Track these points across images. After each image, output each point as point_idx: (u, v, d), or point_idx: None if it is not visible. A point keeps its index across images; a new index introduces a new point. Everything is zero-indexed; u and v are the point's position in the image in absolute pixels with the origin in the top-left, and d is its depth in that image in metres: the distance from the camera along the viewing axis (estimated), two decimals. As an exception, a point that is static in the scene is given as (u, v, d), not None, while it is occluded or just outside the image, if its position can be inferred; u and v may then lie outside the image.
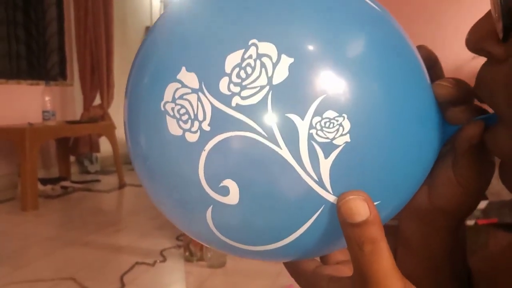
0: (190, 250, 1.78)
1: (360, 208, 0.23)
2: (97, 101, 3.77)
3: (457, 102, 0.28)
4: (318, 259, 0.32)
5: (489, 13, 0.26)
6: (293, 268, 0.32)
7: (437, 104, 0.28)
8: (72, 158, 3.62)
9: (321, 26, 0.25)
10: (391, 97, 0.25)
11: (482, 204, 1.33)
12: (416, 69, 0.27)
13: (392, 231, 0.30)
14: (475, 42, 0.26)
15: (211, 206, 0.25)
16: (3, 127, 2.71)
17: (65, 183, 3.17)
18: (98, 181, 3.40)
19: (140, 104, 0.27)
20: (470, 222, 1.29)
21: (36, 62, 3.54)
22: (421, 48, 0.30)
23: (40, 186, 2.82)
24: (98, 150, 3.75)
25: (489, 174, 0.31)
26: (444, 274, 0.35)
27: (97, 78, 3.72)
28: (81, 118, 3.60)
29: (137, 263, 1.76)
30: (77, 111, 3.78)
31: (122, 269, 1.71)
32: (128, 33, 4.32)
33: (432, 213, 0.32)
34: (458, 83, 0.28)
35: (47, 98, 2.84)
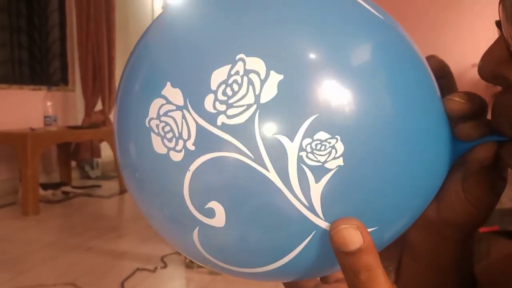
0: (191, 256, 1.77)
1: (353, 237, 0.22)
2: (99, 106, 3.78)
3: (469, 117, 0.26)
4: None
5: (499, 40, 0.25)
6: (292, 287, 0.31)
7: (448, 119, 0.26)
8: (73, 163, 3.62)
9: (315, 39, 0.23)
10: (395, 115, 0.23)
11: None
12: (425, 82, 0.25)
13: (397, 239, 0.30)
14: (490, 71, 0.25)
15: (197, 228, 0.24)
16: (5, 132, 2.72)
17: (66, 188, 3.16)
18: (99, 186, 3.40)
19: (128, 117, 0.26)
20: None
21: (38, 67, 3.56)
22: (431, 58, 0.28)
23: (41, 191, 2.82)
24: (99, 155, 3.75)
25: (499, 190, 0.30)
26: (450, 283, 0.34)
27: (98, 84, 3.73)
28: (82, 124, 3.60)
29: (138, 269, 1.76)
30: (78, 117, 3.78)
31: (123, 275, 1.71)
32: (130, 39, 4.33)
33: (440, 225, 0.31)
34: (471, 97, 0.26)
35: (49, 104, 2.85)
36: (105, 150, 3.71)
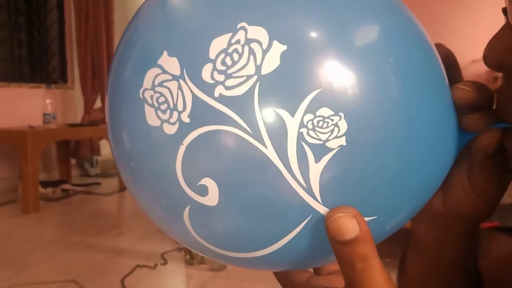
0: (191, 253, 1.78)
1: (349, 226, 0.21)
2: (98, 104, 3.77)
3: (476, 107, 0.26)
4: (311, 269, 0.30)
5: (505, 27, 0.24)
6: (285, 279, 0.31)
7: (455, 108, 0.26)
8: (72, 161, 3.62)
9: (322, 9, 0.22)
10: (402, 96, 0.22)
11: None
12: (434, 67, 0.24)
13: (402, 233, 0.29)
14: (496, 58, 0.25)
15: (189, 206, 0.23)
16: (4, 130, 2.72)
17: (66, 186, 3.16)
18: (98, 184, 3.40)
19: (121, 89, 0.25)
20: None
21: (38, 65, 3.55)
22: (439, 46, 0.27)
23: (41, 189, 2.82)
24: (98, 153, 3.75)
25: (506, 181, 0.29)
26: (456, 277, 0.34)
27: (98, 81, 3.73)
28: (82, 121, 3.60)
29: (138, 266, 1.76)
30: (78, 114, 3.78)
31: (123, 272, 1.71)
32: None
33: (446, 218, 0.31)
34: (479, 87, 0.26)
35: (48, 101, 2.85)
36: (105, 148, 3.71)
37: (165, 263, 1.81)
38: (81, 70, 3.71)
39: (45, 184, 2.99)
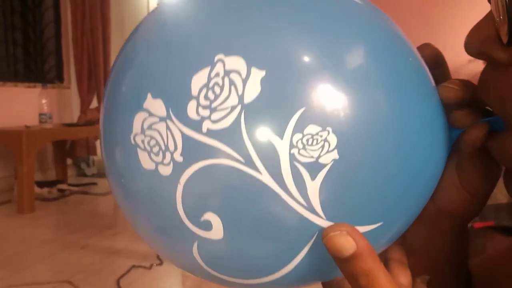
0: (187, 253, 1.77)
1: (345, 244, 0.21)
2: (94, 104, 3.76)
3: (463, 104, 0.26)
4: None
5: (488, 15, 0.24)
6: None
7: (443, 107, 0.26)
8: (69, 161, 3.61)
9: (298, 30, 0.22)
10: (389, 104, 0.22)
11: (478, 207, 1.33)
12: (418, 70, 0.25)
13: None
14: (476, 47, 0.25)
15: (196, 242, 0.23)
16: (-1, 130, 2.71)
17: (62, 186, 3.15)
18: (95, 184, 3.39)
19: (114, 133, 0.25)
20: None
21: (33, 65, 3.54)
22: (426, 46, 0.28)
23: (37, 189, 2.81)
24: (95, 153, 3.74)
25: (494, 176, 0.30)
26: (447, 276, 0.34)
27: (94, 81, 3.72)
28: (78, 121, 3.59)
29: (134, 266, 1.76)
30: (74, 114, 3.77)
31: (118, 272, 1.71)
32: (126, 36, 4.30)
33: (437, 215, 0.31)
34: (465, 85, 0.26)
35: (44, 101, 2.84)
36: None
37: (161, 263, 1.80)
38: (77, 70, 3.70)
39: (41, 184, 2.98)
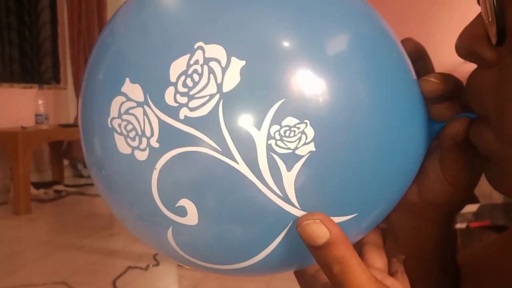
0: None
1: (318, 232, 0.22)
2: (91, 104, 3.75)
3: (445, 98, 0.27)
4: None
5: (478, 17, 0.25)
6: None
7: (424, 100, 0.26)
8: (65, 162, 3.60)
9: (277, 19, 0.22)
10: (368, 98, 0.23)
11: (474, 207, 1.34)
12: (398, 65, 0.25)
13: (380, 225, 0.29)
14: (465, 47, 0.25)
15: (171, 227, 0.23)
16: (-5, 131, 2.70)
17: (59, 187, 3.15)
18: (91, 185, 3.37)
19: (91, 116, 0.25)
20: (461, 225, 1.29)
21: (30, 65, 3.53)
22: (408, 40, 0.28)
23: (33, 190, 2.80)
24: (91, 153, 3.73)
25: (477, 168, 0.30)
26: (433, 266, 0.35)
27: (91, 82, 3.71)
28: (74, 122, 3.58)
29: (130, 267, 1.75)
30: (70, 115, 3.76)
31: (115, 273, 1.70)
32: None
33: (421, 207, 0.31)
34: (446, 78, 0.26)
35: (40, 102, 2.83)
36: (98, 148, 3.70)
37: (157, 264, 1.80)
38: (73, 71, 3.69)
39: (37, 185, 2.97)
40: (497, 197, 1.31)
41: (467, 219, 1.31)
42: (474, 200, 1.30)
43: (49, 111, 2.98)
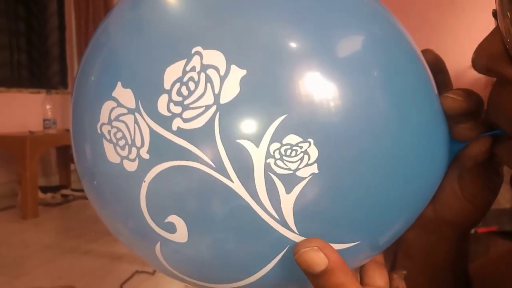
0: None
1: (316, 259, 0.21)
2: (98, 109, 3.77)
3: (466, 115, 0.25)
4: None
5: (495, 31, 0.24)
6: None
7: (445, 118, 0.24)
8: (72, 166, 3.61)
9: (283, 26, 0.20)
10: (383, 114, 0.20)
11: (481, 212, 1.32)
12: (421, 78, 0.23)
13: None
14: (484, 63, 0.24)
15: (159, 242, 0.22)
16: (3, 135, 2.72)
17: (65, 191, 3.16)
18: (98, 189, 3.39)
19: (81, 121, 0.24)
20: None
21: (37, 70, 3.55)
22: (427, 52, 0.26)
23: (40, 194, 2.81)
24: (98, 158, 3.75)
25: (496, 186, 0.29)
26: (445, 283, 0.34)
27: (98, 87, 3.73)
28: (81, 126, 3.60)
29: (137, 271, 1.75)
30: (77, 119, 3.78)
31: (122, 277, 1.70)
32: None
33: (437, 223, 0.31)
34: (469, 95, 0.25)
35: (48, 107, 2.85)
36: (104, 153, 3.71)
37: (164, 268, 1.80)
38: (81, 76, 3.71)
39: (44, 190, 2.99)
40: (505, 203, 1.30)
41: (474, 224, 1.31)
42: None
43: (56, 116, 3.00)
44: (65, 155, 3.47)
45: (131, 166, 0.21)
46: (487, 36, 0.24)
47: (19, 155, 2.59)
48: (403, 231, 0.25)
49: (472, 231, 1.30)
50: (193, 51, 0.19)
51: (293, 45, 0.20)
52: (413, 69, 0.22)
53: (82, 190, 3.31)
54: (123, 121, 0.21)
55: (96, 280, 1.74)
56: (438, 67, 0.27)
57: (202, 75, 0.19)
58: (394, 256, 0.36)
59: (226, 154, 0.19)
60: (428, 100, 0.23)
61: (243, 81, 0.19)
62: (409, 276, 0.34)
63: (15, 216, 2.62)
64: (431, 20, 3.01)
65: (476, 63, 0.24)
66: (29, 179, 2.55)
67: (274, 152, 0.19)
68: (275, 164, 0.19)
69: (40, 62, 3.58)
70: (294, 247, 0.21)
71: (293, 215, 0.20)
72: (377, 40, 0.21)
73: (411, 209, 0.24)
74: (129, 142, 0.21)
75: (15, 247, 2.11)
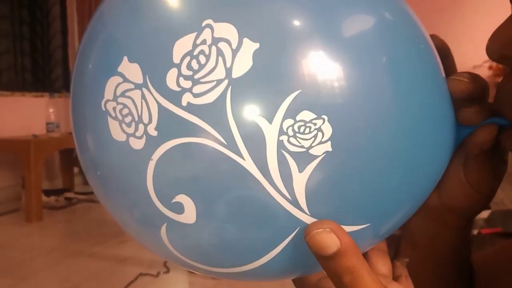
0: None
1: (328, 241, 0.20)
2: (101, 112, 3.78)
3: (472, 99, 0.25)
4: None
5: (510, 19, 0.24)
6: (297, 278, 0.30)
7: (452, 101, 0.24)
8: (76, 169, 3.62)
9: (297, 1, 0.19)
10: (394, 94, 0.20)
11: (485, 214, 1.33)
12: (429, 61, 0.22)
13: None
14: (497, 50, 0.24)
15: (165, 224, 0.21)
16: (7, 139, 2.73)
17: (69, 195, 3.17)
18: (101, 192, 3.39)
19: (83, 100, 0.23)
20: (473, 232, 1.28)
21: (41, 74, 3.57)
22: (433, 37, 0.26)
23: (44, 198, 2.82)
24: (101, 161, 3.75)
25: (501, 173, 0.29)
26: (449, 271, 0.34)
27: (101, 90, 3.74)
28: (85, 130, 3.61)
29: (141, 274, 1.76)
30: (81, 123, 3.79)
31: (126, 280, 1.71)
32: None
33: (442, 210, 0.31)
34: (475, 78, 0.25)
35: (51, 110, 2.86)
36: (108, 156, 3.72)
37: (168, 271, 1.80)
38: (84, 79, 3.72)
39: (48, 193, 2.99)
40: (509, 204, 1.30)
41: (478, 225, 1.31)
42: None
43: (60, 119, 3.01)
44: (68, 158, 3.48)
45: (137, 144, 0.20)
46: (502, 23, 0.24)
47: (23, 159, 2.60)
48: (408, 216, 0.24)
49: (476, 232, 1.30)
50: (203, 24, 0.19)
51: (308, 20, 0.19)
52: (422, 51, 0.22)
53: (85, 193, 3.33)
54: (129, 97, 0.20)
55: (101, 282, 1.74)
56: (444, 53, 0.27)
57: (213, 48, 0.18)
58: (398, 243, 0.36)
59: (238, 130, 0.18)
60: (437, 84, 0.23)
61: (256, 55, 0.18)
62: (413, 263, 0.34)
63: (19, 219, 2.63)
64: (433, 23, 3.01)
65: (491, 50, 0.24)
66: (33, 183, 2.55)
67: (287, 129, 0.19)
68: (288, 141, 0.19)
69: (44, 66, 3.60)
70: (306, 229, 0.20)
71: (305, 195, 0.20)
72: (387, 22, 0.21)
73: (417, 193, 0.24)
74: (136, 118, 0.20)
75: (20, 250, 2.12)
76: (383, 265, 0.28)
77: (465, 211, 0.31)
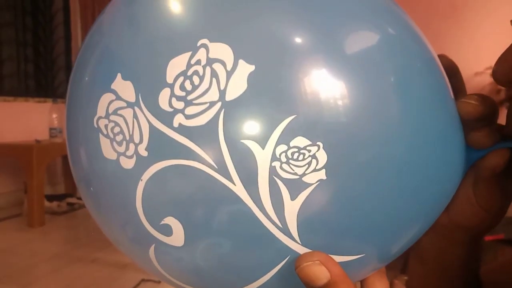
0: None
1: (318, 274, 0.20)
2: (103, 118, 3.78)
3: (482, 121, 0.24)
4: None
5: None
6: None
7: (461, 124, 0.23)
8: (78, 175, 3.63)
9: (296, 20, 0.19)
10: (397, 118, 0.19)
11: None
12: (437, 82, 0.22)
13: None
14: (505, 74, 0.23)
15: (154, 245, 0.21)
16: (10, 144, 2.73)
17: (71, 200, 3.16)
18: (103, 198, 3.39)
19: (77, 115, 0.22)
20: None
21: (44, 80, 3.58)
22: (441, 57, 0.26)
23: (46, 203, 2.82)
24: (103, 167, 3.75)
25: (510, 194, 0.29)
26: (456, 286, 0.34)
27: (103, 96, 3.75)
28: (87, 135, 3.61)
29: (143, 280, 1.75)
30: (83, 128, 3.79)
31: (128, 286, 1.70)
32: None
33: (450, 228, 0.31)
34: (484, 99, 0.24)
35: (54, 116, 2.87)
36: (110, 162, 3.72)
37: (170, 277, 1.80)
38: (86, 85, 3.73)
39: (50, 198, 2.99)
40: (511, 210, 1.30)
41: (481, 232, 1.30)
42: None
43: (63, 125, 3.01)
44: (70, 164, 3.48)
45: (128, 163, 0.20)
46: (509, 47, 0.24)
47: (25, 164, 2.60)
48: (414, 241, 0.23)
49: (479, 239, 1.30)
50: (199, 44, 0.18)
51: (306, 41, 0.18)
52: (430, 72, 0.21)
53: (87, 199, 3.32)
54: (121, 115, 0.19)
55: (103, 288, 1.74)
56: (452, 72, 0.27)
57: (208, 69, 0.18)
58: (406, 258, 0.36)
59: (230, 154, 0.18)
60: (445, 106, 0.22)
61: (251, 78, 0.18)
62: (421, 277, 0.34)
63: (21, 224, 2.62)
64: (434, 28, 3.02)
65: (497, 74, 0.24)
66: (35, 188, 2.56)
67: (280, 155, 0.18)
68: (281, 167, 0.18)
69: (47, 72, 3.62)
70: (296, 261, 0.20)
71: (297, 224, 0.19)
72: (393, 41, 0.20)
73: (422, 219, 0.22)
74: (127, 137, 0.19)
75: (22, 256, 2.12)
76: (380, 284, 0.27)
77: (474, 229, 0.30)
